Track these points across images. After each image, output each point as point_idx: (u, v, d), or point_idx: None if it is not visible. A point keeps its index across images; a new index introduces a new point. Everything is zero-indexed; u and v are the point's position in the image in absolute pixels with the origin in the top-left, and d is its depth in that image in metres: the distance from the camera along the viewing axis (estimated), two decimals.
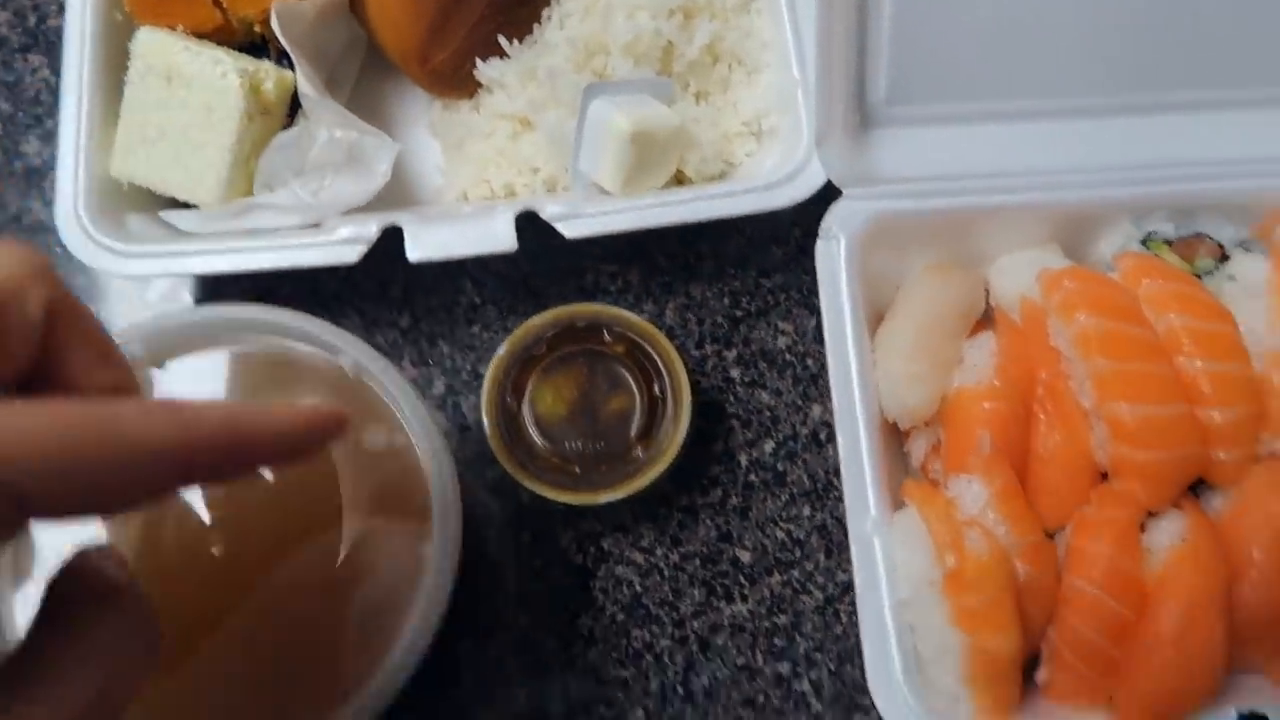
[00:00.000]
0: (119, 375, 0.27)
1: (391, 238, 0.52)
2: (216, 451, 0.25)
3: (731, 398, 0.58)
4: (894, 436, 0.52)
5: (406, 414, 0.45)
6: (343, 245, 0.51)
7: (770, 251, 0.61)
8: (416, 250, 0.51)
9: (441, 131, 0.60)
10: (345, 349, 0.45)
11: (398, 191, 0.58)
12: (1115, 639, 0.45)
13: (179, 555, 0.42)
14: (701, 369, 0.59)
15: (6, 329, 0.24)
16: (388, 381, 0.45)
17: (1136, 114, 0.53)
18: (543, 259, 0.60)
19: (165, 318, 0.45)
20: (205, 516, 0.42)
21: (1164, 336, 0.47)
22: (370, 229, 0.51)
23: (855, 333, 0.50)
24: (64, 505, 0.23)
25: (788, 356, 0.59)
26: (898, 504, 0.48)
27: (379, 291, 0.59)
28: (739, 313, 0.60)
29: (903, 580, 0.46)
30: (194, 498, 0.42)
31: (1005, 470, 0.47)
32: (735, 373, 0.59)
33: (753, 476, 0.57)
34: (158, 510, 0.42)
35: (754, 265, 0.60)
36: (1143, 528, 0.46)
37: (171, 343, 0.45)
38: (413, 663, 0.41)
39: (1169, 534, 0.46)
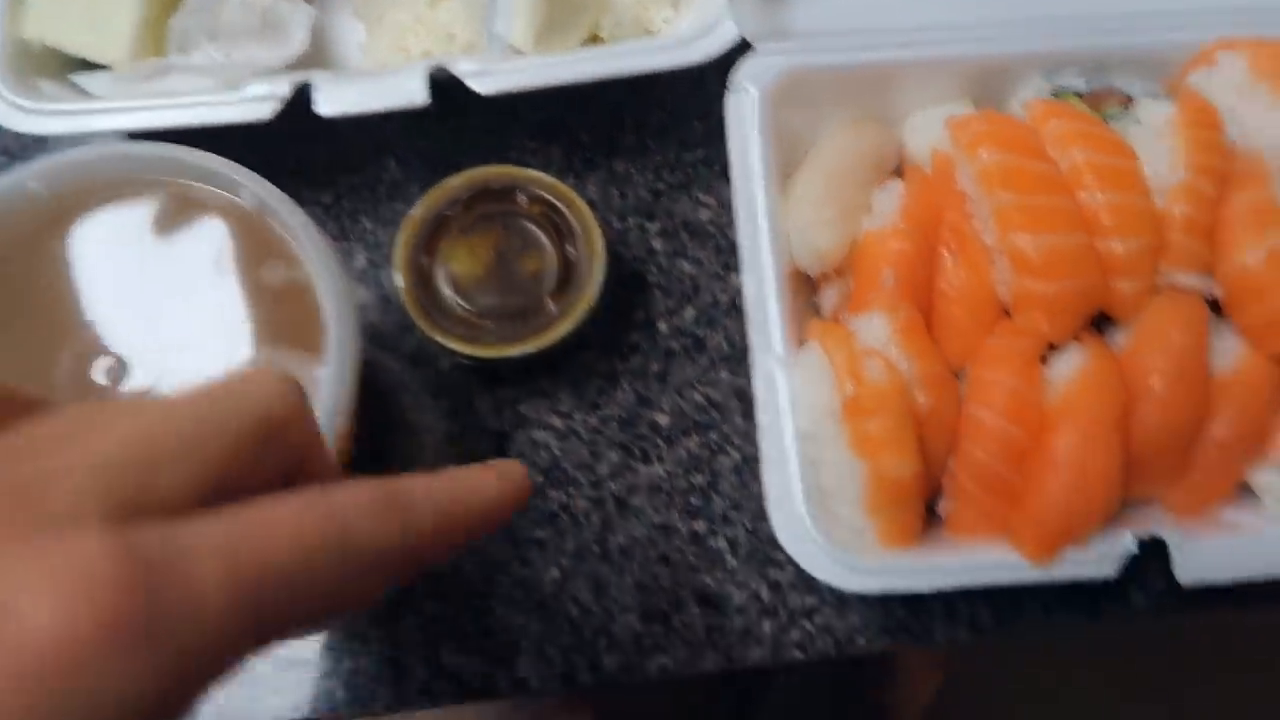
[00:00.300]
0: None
1: (316, 116, 0.52)
2: (436, 548, 0.25)
3: (654, 268, 0.58)
4: (805, 286, 0.52)
5: (308, 251, 0.45)
6: (256, 103, 0.51)
7: (692, 126, 0.61)
8: (327, 105, 0.51)
9: (363, 11, 0.60)
10: (246, 185, 0.45)
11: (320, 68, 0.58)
12: (1014, 465, 0.45)
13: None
14: (624, 241, 0.59)
15: (269, 455, 0.24)
16: (289, 218, 0.45)
17: None
18: (466, 135, 0.61)
19: (64, 155, 0.45)
20: None
21: (1067, 172, 0.47)
22: (283, 86, 0.51)
23: (765, 180, 0.50)
24: (291, 628, 0.22)
25: (710, 228, 0.59)
26: (804, 346, 0.48)
27: (300, 169, 0.59)
28: (661, 186, 0.60)
29: (804, 413, 0.46)
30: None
31: (908, 306, 0.47)
32: (658, 244, 0.59)
33: (673, 343, 0.57)
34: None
35: (676, 139, 0.60)
36: (1045, 361, 0.47)
37: (72, 180, 0.45)
38: None
39: (1070, 364, 0.46)
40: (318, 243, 0.45)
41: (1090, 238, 0.46)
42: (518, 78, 0.52)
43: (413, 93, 0.51)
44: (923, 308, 0.49)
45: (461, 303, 0.52)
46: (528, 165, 0.60)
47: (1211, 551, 0.45)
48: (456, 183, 0.53)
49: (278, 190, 0.46)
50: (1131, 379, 0.46)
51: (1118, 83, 0.54)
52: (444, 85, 0.52)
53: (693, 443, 0.55)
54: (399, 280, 0.52)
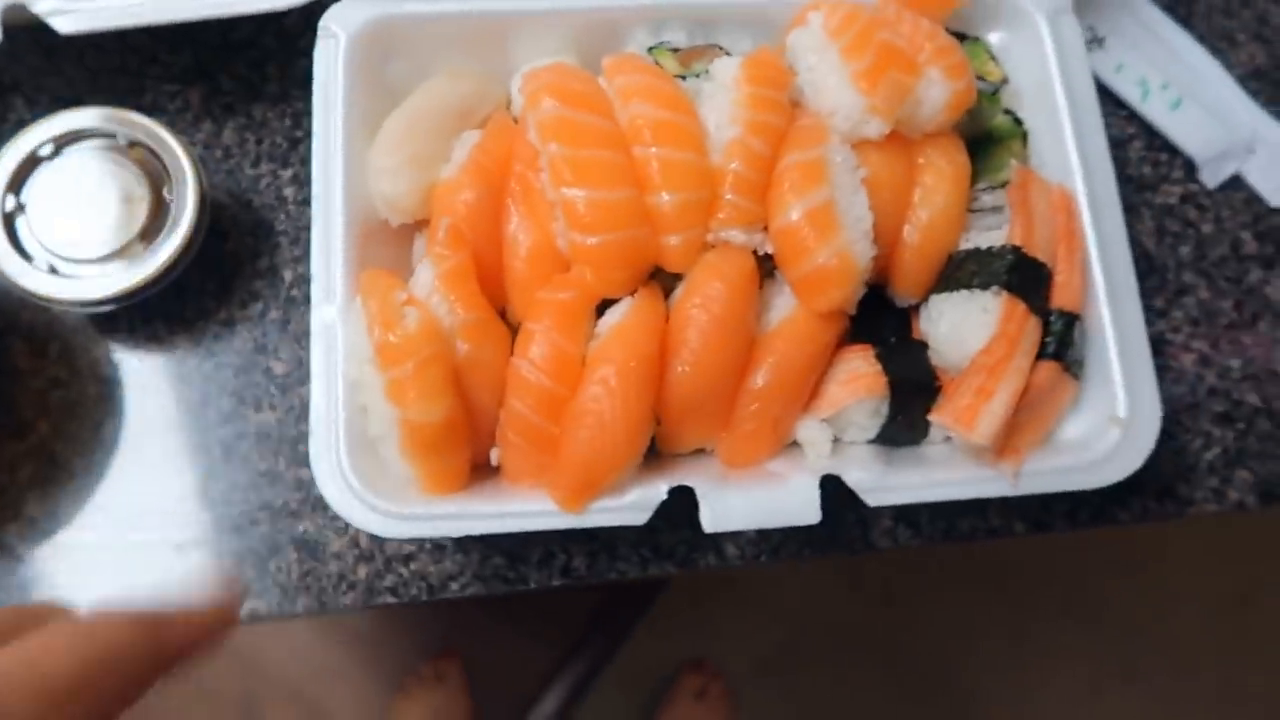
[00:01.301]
0: None
1: None
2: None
3: (283, 215, 0.58)
4: (391, 238, 0.51)
5: None
6: None
7: None
8: None
9: None
10: None
11: None
12: (552, 417, 0.46)
13: None
14: (255, 188, 0.58)
15: None
16: None
17: None
18: (101, 78, 0.59)
19: None
20: None
21: (626, 127, 0.48)
22: None
23: (344, 127, 0.50)
24: None
25: None
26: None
27: None
28: (300, 133, 0.59)
29: (350, 361, 0.46)
30: None
31: (458, 253, 0.47)
32: (289, 191, 0.58)
33: (295, 291, 0.57)
34: None
35: None
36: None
37: None
38: None
39: (614, 318, 0.47)
40: None
41: (640, 192, 0.47)
42: (99, 17, 0.51)
43: None
44: (491, 260, 0.49)
45: (49, 246, 0.51)
46: (164, 109, 0.59)
47: (733, 500, 0.46)
48: (47, 124, 0.52)
49: None
50: (674, 331, 0.47)
51: (725, 41, 0.54)
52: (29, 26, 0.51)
53: (308, 390, 0.55)
54: None
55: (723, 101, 0.49)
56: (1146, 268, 0.60)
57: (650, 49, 0.53)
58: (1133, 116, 0.63)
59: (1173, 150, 0.62)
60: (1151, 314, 0.59)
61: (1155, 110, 0.62)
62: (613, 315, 0.47)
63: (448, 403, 0.45)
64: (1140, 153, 0.63)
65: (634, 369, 0.45)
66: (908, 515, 0.56)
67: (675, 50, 0.53)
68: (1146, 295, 0.60)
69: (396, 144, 0.49)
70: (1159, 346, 0.59)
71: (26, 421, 0.54)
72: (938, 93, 0.49)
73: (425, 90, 0.51)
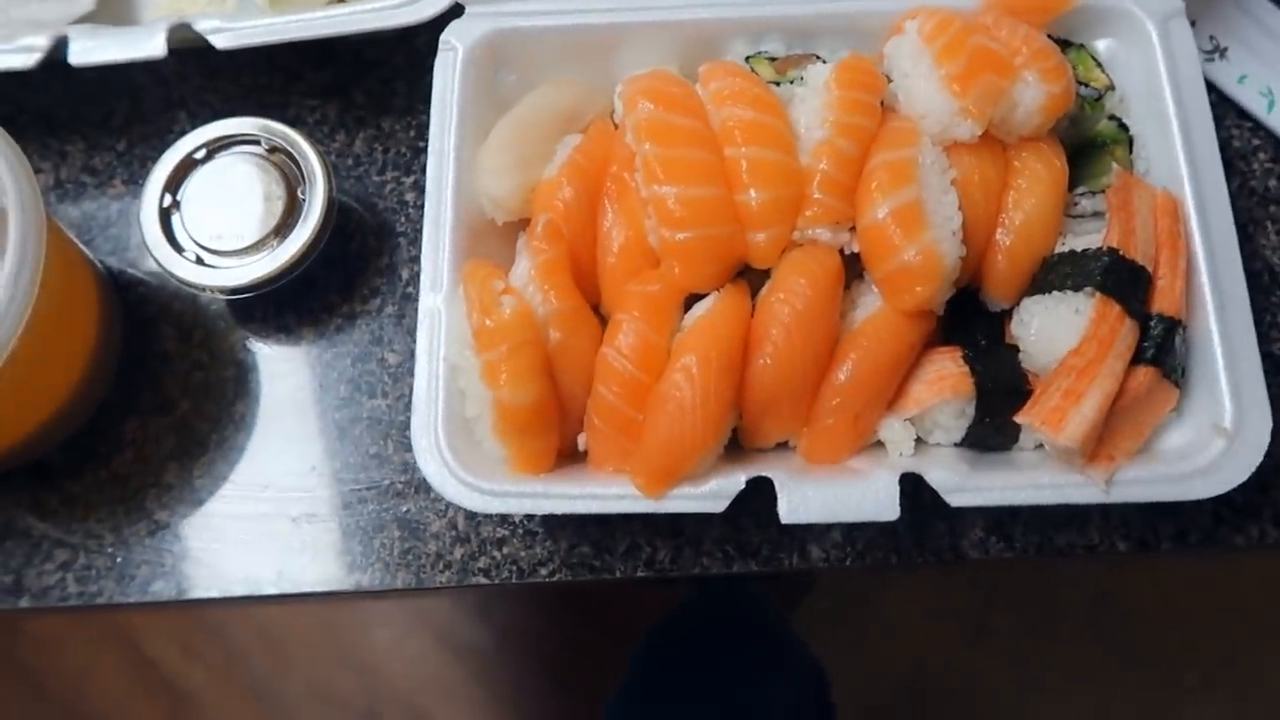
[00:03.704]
0: None
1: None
2: None
3: (403, 219, 0.62)
4: (498, 236, 0.54)
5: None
6: (21, 53, 0.57)
7: None
8: (76, 56, 0.57)
9: None
10: None
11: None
12: (637, 404, 0.48)
13: None
14: (380, 193, 0.63)
15: None
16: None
17: None
18: (253, 94, 0.66)
19: None
20: None
21: (718, 129, 0.49)
22: (43, 39, 0.57)
23: (458, 131, 0.53)
24: None
25: None
26: None
27: (102, 120, 0.65)
28: (422, 144, 0.64)
29: (451, 345, 0.49)
30: None
31: (555, 247, 0.50)
32: (410, 196, 0.63)
33: (410, 288, 0.61)
34: None
35: None
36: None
37: None
38: None
39: (700, 311, 0.48)
40: (12, 162, 0.49)
41: (730, 191, 0.48)
42: (252, 34, 0.56)
43: (154, 46, 0.56)
44: (587, 256, 0.51)
45: (197, 239, 0.57)
46: (304, 121, 0.65)
47: (811, 492, 0.46)
48: (202, 131, 0.58)
49: None
50: (758, 326, 0.48)
51: (822, 51, 0.56)
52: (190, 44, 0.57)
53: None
54: (144, 218, 0.57)
55: (814, 105, 0.50)
56: (1270, 282, 0.57)
57: (748, 58, 0.55)
58: (1258, 128, 0.61)
59: None
60: (1275, 330, 0.56)
61: None
62: (699, 309, 0.49)
63: (538, 387, 0.47)
64: (1266, 165, 0.60)
65: (715, 358, 0.46)
66: (1001, 527, 0.54)
67: (773, 60, 0.55)
68: (1270, 310, 0.57)
69: (503, 146, 0.53)
70: None
71: (171, 400, 0.59)
72: (1033, 95, 0.49)
73: (533, 97, 0.55)
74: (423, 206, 0.61)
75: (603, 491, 0.48)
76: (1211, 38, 0.61)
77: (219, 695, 1.39)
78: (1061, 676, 1.33)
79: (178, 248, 0.57)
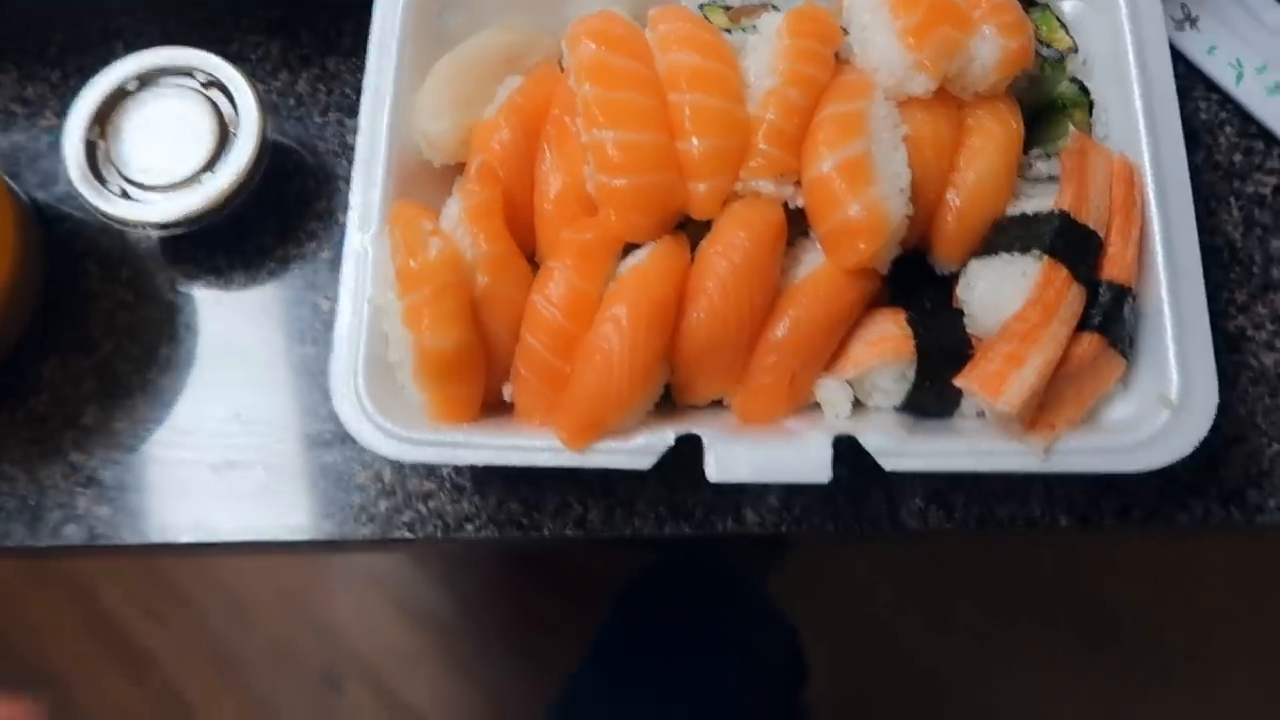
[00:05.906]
0: None
1: None
2: None
3: (344, 162, 0.60)
4: (433, 180, 0.52)
5: None
6: None
7: None
8: None
9: None
10: None
11: None
12: (564, 355, 0.46)
13: None
14: (321, 135, 0.61)
15: None
16: None
17: None
18: (197, 28, 0.63)
19: None
20: None
21: (664, 74, 0.48)
22: None
23: (396, 70, 0.51)
24: None
25: None
26: None
27: (38, 51, 0.63)
28: None
29: (376, 286, 0.47)
30: None
31: (488, 190, 0.48)
32: (352, 140, 0.60)
33: None
34: None
35: None
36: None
37: None
38: None
39: (634, 261, 0.47)
40: None
41: (672, 138, 0.47)
42: None
43: None
44: (523, 201, 0.49)
45: (125, 173, 0.55)
46: (247, 58, 0.63)
47: (741, 451, 0.45)
48: (134, 60, 0.56)
49: None
50: (694, 278, 0.46)
51: (780, 1, 0.54)
52: None
53: None
54: (66, 148, 0.55)
55: (765, 53, 0.48)
56: (1230, 259, 0.56)
57: (701, 5, 0.53)
58: (1226, 101, 0.59)
59: (1269, 138, 0.58)
60: (1231, 308, 0.55)
61: (1250, 95, 0.58)
62: (633, 259, 0.47)
63: (461, 331, 0.45)
64: (1232, 139, 0.58)
65: (646, 311, 0.45)
66: (941, 498, 0.53)
67: (727, 8, 0.53)
68: (1228, 288, 0.56)
69: (441, 85, 0.51)
70: (1237, 343, 0.54)
71: (93, 339, 0.57)
72: (990, 50, 0.47)
73: (478, 37, 0.53)
74: None
75: (526, 444, 0.46)
76: (1183, 6, 0.59)
77: (180, 656, 1.38)
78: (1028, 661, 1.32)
79: (102, 180, 0.55)
